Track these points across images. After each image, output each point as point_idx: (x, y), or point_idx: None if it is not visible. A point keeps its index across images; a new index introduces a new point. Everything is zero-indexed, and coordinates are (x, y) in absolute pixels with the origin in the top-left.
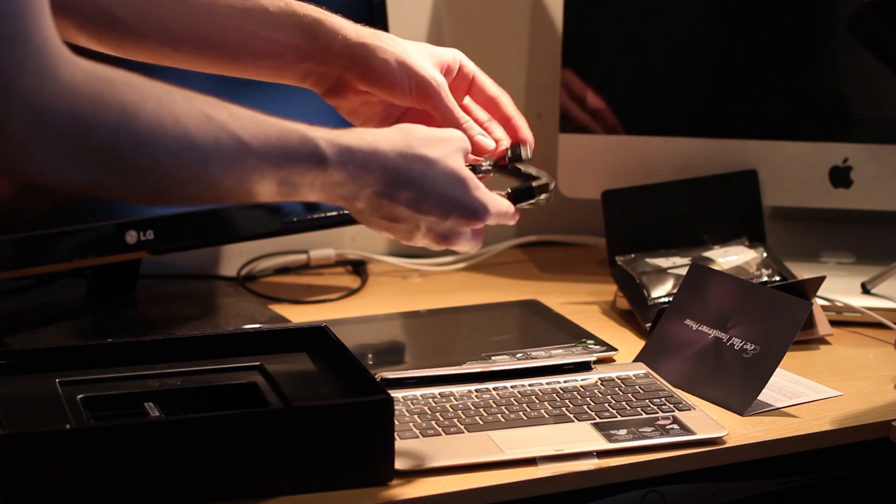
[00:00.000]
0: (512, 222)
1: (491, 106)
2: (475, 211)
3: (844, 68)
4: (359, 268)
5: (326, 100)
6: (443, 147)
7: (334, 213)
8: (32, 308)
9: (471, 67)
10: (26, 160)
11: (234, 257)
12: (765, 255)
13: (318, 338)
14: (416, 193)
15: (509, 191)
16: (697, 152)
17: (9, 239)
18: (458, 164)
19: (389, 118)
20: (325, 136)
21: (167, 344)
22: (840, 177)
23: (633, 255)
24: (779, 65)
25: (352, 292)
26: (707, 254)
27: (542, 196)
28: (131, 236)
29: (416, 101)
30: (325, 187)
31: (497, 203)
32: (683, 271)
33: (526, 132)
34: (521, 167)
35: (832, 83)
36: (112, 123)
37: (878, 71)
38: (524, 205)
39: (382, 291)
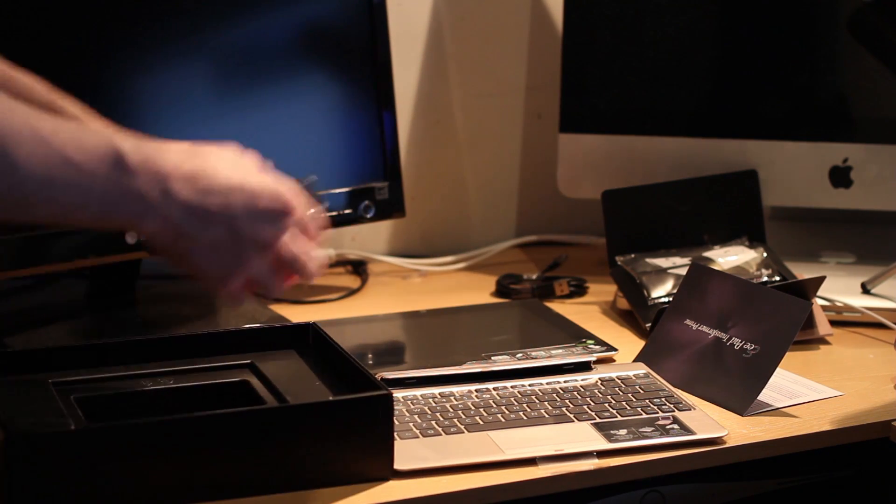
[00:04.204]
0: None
1: None
2: (281, 194)
3: (844, 68)
4: (359, 268)
5: None
6: (217, 148)
7: (334, 214)
8: (32, 308)
9: None
10: None
11: None
12: (765, 255)
13: (307, 336)
14: (214, 185)
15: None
16: (697, 152)
17: (9, 239)
18: (238, 154)
19: None
20: (120, 135)
21: (157, 343)
22: (840, 177)
23: (633, 255)
24: (779, 65)
25: (352, 292)
26: (707, 254)
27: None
28: (131, 236)
29: None
30: (129, 186)
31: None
32: (683, 271)
33: None
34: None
35: (832, 83)
36: None
37: (878, 71)
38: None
39: (382, 291)
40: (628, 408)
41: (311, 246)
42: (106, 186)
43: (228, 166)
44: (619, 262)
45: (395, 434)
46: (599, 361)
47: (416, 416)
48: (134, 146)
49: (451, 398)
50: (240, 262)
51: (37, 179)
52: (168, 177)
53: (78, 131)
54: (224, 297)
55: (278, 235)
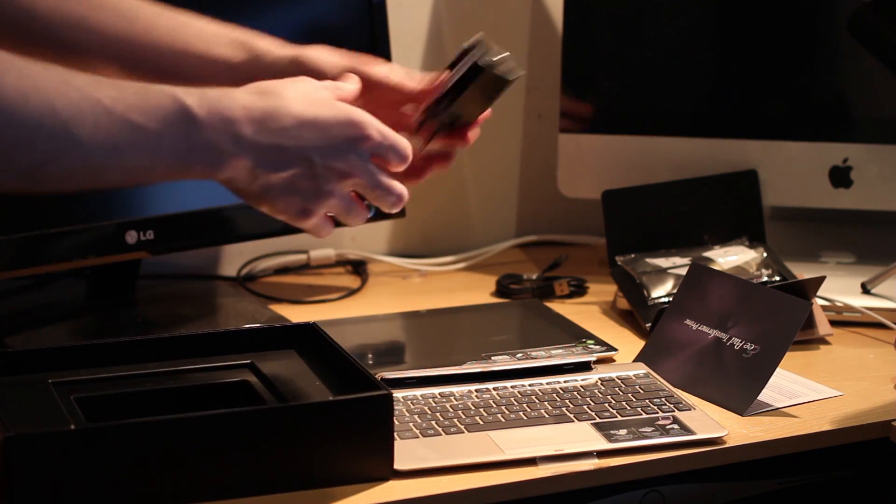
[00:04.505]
0: (406, 159)
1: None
2: (354, 123)
3: (844, 68)
4: (359, 268)
5: None
6: (290, 81)
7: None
8: (32, 308)
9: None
10: None
11: (234, 257)
12: (765, 255)
13: (307, 336)
14: (285, 123)
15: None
16: (697, 152)
17: (9, 239)
18: (312, 85)
19: None
20: (182, 89)
21: (157, 343)
22: (840, 177)
23: (633, 255)
24: (779, 65)
25: (352, 292)
26: (707, 254)
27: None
28: (131, 236)
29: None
30: (199, 139)
31: (375, 119)
32: (683, 271)
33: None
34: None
35: (832, 83)
36: None
37: (878, 71)
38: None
39: (382, 291)
40: (628, 408)
41: (394, 172)
42: (175, 143)
43: (300, 101)
44: (619, 262)
45: (395, 434)
46: (599, 361)
47: (416, 416)
48: (199, 98)
49: (451, 398)
50: (318, 197)
51: (104, 150)
52: (237, 122)
53: (140, 93)
54: (308, 230)
55: (355, 165)
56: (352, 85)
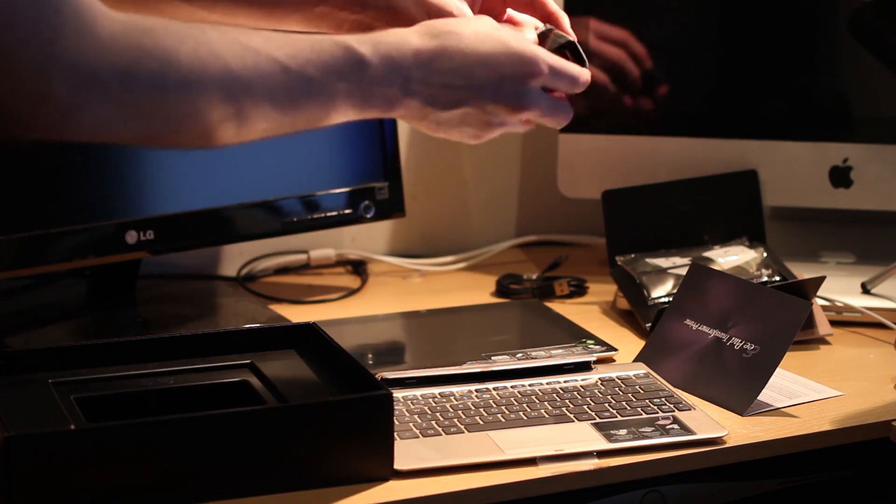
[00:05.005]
0: (581, 84)
1: (529, 9)
2: (525, 60)
3: (844, 68)
4: (359, 268)
5: None
6: (466, 20)
7: (334, 213)
8: (32, 308)
9: None
10: (78, 121)
11: (234, 257)
12: (765, 255)
13: (307, 336)
14: (455, 63)
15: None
16: (697, 152)
17: (9, 239)
18: (488, 24)
19: None
20: (356, 37)
21: (157, 343)
22: (840, 177)
23: (633, 255)
24: (779, 65)
25: (352, 292)
26: (707, 254)
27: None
28: (131, 236)
29: None
30: (371, 87)
31: (546, 53)
32: (683, 271)
33: (566, 26)
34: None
35: (832, 83)
36: (156, 71)
37: (878, 71)
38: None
39: (382, 291)
40: (628, 408)
41: (566, 94)
42: (350, 92)
43: (472, 39)
44: (619, 262)
45: (395, 434)
46: (599, 361)
47: (416, 416)
48: (372, 47)
49: (451, 398)
50: (490, 128)
51: (283, 105)
52: (407, 67)
53: (315, 47)
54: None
55: (527, 99)
56: (530, 33)
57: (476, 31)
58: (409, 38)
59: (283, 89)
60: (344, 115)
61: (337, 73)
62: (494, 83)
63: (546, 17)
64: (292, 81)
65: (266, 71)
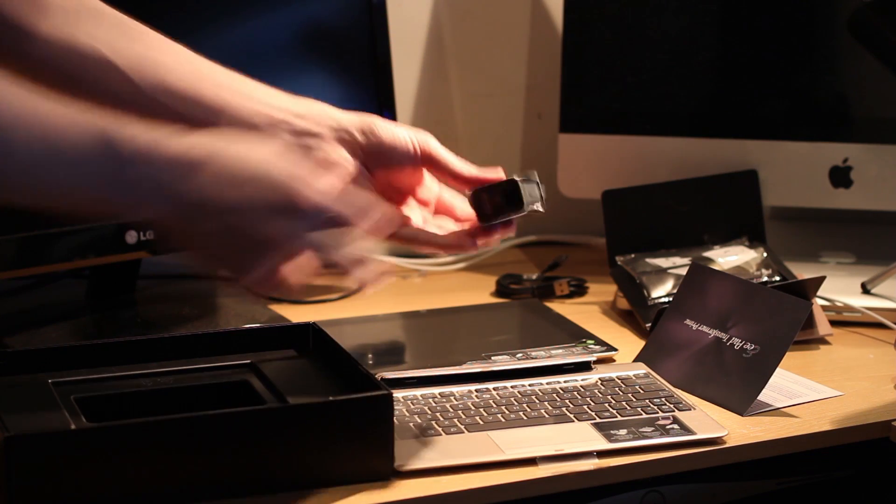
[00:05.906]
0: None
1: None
2: (283, 188)
3: (844, 68)
4: None
5: None
6: (252, 137)
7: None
8: (32, 308)
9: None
10: None
11: None
12: (765, 255)
13: (307, 336)
14: (206, 178)
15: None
16: (697, 152)
17: (9, 239)
18: (271, 144)
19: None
20: (124, 124)
21: (157, 343)
22: (840, 177)
23: (633, 255)
24: (779, 65)
25: (352, 292)
26: (707, 254)
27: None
28: (131, 236)
29: (421, 161)
30: (115, 182)
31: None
32: (683, 271)
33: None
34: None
35: (832, 83)
36: None
37: (878, 71)
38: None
39: (382, 291)
40: (628, 408)
41: (360, 247)
42: (98, 173)
43: (238, 157)
44: (619, 262)
45: (395, 434)
46: (599, 361)
47: (416, 416)
48: (131, 136)
49: (451, 398)
50: (244, 259)
51: (33, 162)
52: (163, 168)
53: (80, 116)
54: (241, 290)
55: (292, 233)
56: (346, 164)
57: (250, 149)
58: (175, 140)
59: (39, 143)
60: (90, 198)
61: (88, 147)
62: (257, 206)
63: (473, 182)
64: (48, 139)
65: (23, 124)
